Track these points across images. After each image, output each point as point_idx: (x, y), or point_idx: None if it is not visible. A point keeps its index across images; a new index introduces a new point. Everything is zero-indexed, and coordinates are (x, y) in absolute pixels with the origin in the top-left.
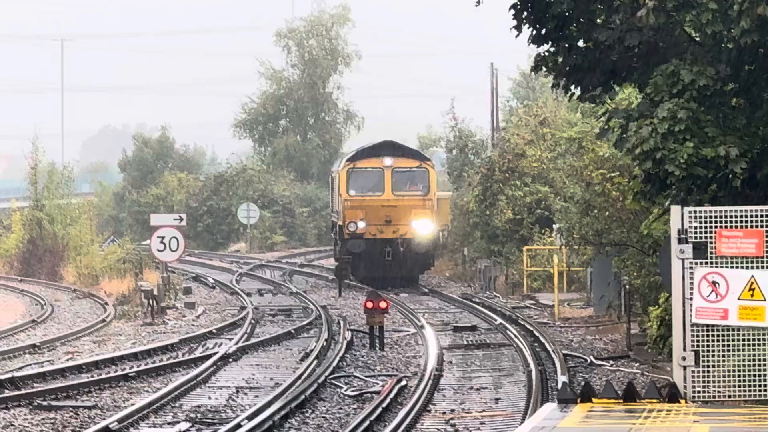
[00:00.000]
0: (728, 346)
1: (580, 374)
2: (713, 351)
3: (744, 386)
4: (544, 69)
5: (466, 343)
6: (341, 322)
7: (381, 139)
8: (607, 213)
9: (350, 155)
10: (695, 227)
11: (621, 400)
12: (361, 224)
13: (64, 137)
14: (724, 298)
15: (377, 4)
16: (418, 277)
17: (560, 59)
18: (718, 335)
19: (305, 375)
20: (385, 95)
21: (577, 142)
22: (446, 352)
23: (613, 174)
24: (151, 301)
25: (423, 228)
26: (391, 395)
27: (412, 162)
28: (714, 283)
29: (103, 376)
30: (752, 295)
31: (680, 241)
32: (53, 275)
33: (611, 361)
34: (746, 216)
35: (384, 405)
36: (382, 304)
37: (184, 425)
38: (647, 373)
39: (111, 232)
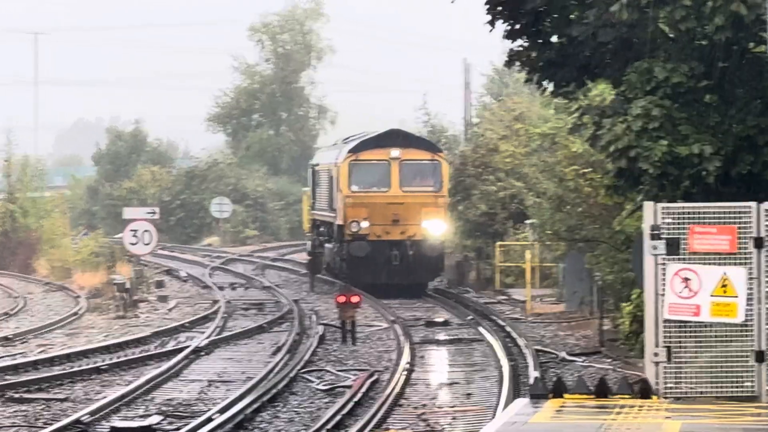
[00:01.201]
0: (700, 342)
1: (552, 370)
2: (685, 347)
3: (716, 383)
4: (517, 64)
5: (438, 338)
6: (313, 317)
7: (354, 133)
8: (580, 209)
9: (352, 146)
10: (668, 223)
11: (593, 396)
12: (365, 224)
13: (37, 130)
14: (696, 294)
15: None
16: (426, 285)
17: (534, 54)
18: (690, 331)
19: (277, 369)
20: (358, 90)
21: (550, 138)
22: (418, 347)
23: (586, 170)
24: (123, 295)
25: (435, 228)
26: (363, 390)
27: (422, 153)
28: (686, 279)
29: (75, 368)
30: (725, 292)
31: (653, 237)
32: (26, 268)
33: (583, 357)
34: (719, 213)
35: (356, 399)
36: (354, 299)
37: (156, 418)
38: (619, 369)
39: (84, 225)
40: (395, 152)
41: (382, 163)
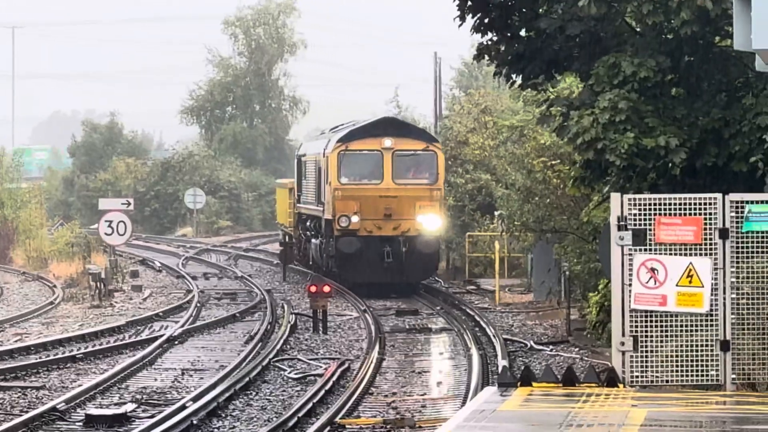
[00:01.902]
0: (666, 331)
1: (520, 359)
2: (651, 337)
3: (681, 371)
4: (486, 57)
5: (408, 327)
6: (285, 306)
7: (330, 124)
8: (548, 200)
9: (341, 135)
10: (634, 214)
11: (560, 385)
12: (355, 219)
13: (14, 123)
14: (662, 284)
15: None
16: (419, 284)
17: (502, 48)
18: (656, 321)
19: (249, 357)
20: (330, 83)
21: (519, 131)
22: (388, 336)
23: (554, 162)
24: (98, 284)
25: (430, 223)
26: (334, 378)
27: (417, 143)
28: (653, 269)
29: (51, 357)
30: (690, 282)
31: (620, 228)
32: (2, 258)
33: (551, 346)
34: (685, 204)
35: (327, 387)
36: (326, 289)
37: (130, 406)
38: (586, 358)
39: (60, 216)
40: (388, 142)
41: (373, 153)
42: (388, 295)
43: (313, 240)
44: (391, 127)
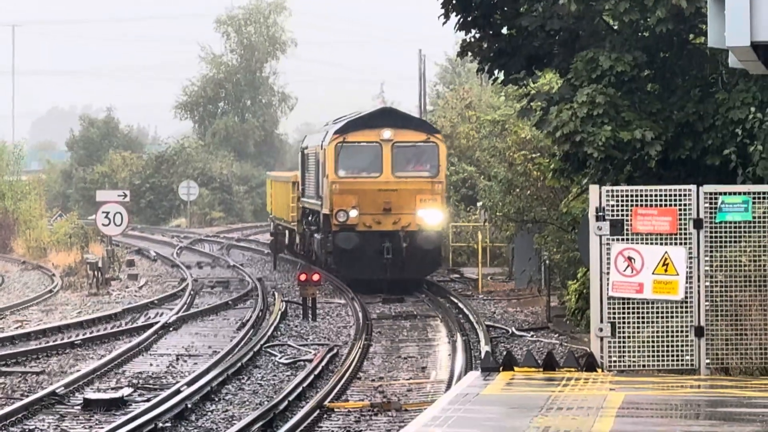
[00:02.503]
0: (643, 318)
1: (502, 344)
2: (629, 323)
3: (657, 356)
4: (469, 54)
5: (394, 314)
6: (276, 294)
7: (317, 119)
8: (529, 192)
9: (339, 126)
10: (612, 205)
11: (541, 369)
12: (353, 213)
13: (14, 118)
14: (639, 272)
15: None
16: (423, 281)
17: (485, 45)
18: (633, 308)
19: (242, 343)
20: (318, 80)
21: (501, 125)
22: (375, 323)
23: (534, 155)
24: (96, 273)
25: (431, 218)
26: (323, 363)
27: (417, 135)
28: (630, 258)
29: (51, 343)
30: (666, 270)
31: (598, 218)
32: (3, 248)
33: (532, 332)
34: (661, 195)
35: (316, 372)
36: (315, 277)
37: (127, 390)
38: (566, 344)
39: (59, 207)
40: (387, 133)
41: (372, 145)
42: (388, 292)
43: (315, 235)
44: (391, 118)
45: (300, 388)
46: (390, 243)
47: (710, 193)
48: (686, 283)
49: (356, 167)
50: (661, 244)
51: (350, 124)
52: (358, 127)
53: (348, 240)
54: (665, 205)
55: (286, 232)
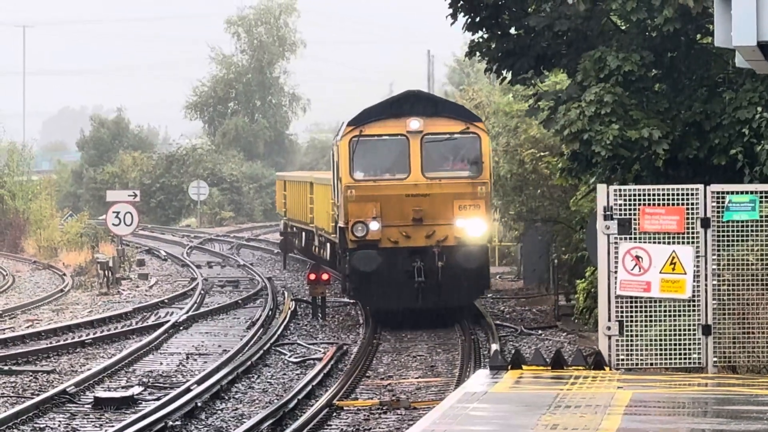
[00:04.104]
0: (650, 316)
1: (511, 343)
2: (636, 321)
3: (665, 354)
4: (478, 54)
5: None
6: (285, 293)
7: (326, 120)
8: (540, 191)
9: (354, 116)
10: (620, 204)
11: (549, 367)
12: (374, 226)
13: (25, 118)
14: (646, 271)
15: None
16: (465, 307)
17: (493, 45)
18: (641, 306)
19: (251, 342)
20: (325, 79)
21: (515, 122)
22: (385, 322)
23: (543, 153)
24: (106, 273)
25: (474, 229)
26: (332, 362)
27: (453, 124)
28: (637, 257)
29: (61, 342)
30: (673, 269)
31: (606, 217)
32: (15, 248)
33: (540, 331)
34: (668, 194)
35: (325, 371)
36: (325, 276)
37: (137, 389)
38: (574, 342)
39: (69, 207)
40: (415, 123)
41: (396, 139)
42: (422, 326)
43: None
44: (419, 103)
45: (309, 387)
46: (422, 262)
47: (717, 193)
48: (693, 281)
49: (377, 167)
50: (669, 243)
51: (368, 113)
52: (378, 117)
53: (368, 260)
54: (673, 204)
55: (303, 234)
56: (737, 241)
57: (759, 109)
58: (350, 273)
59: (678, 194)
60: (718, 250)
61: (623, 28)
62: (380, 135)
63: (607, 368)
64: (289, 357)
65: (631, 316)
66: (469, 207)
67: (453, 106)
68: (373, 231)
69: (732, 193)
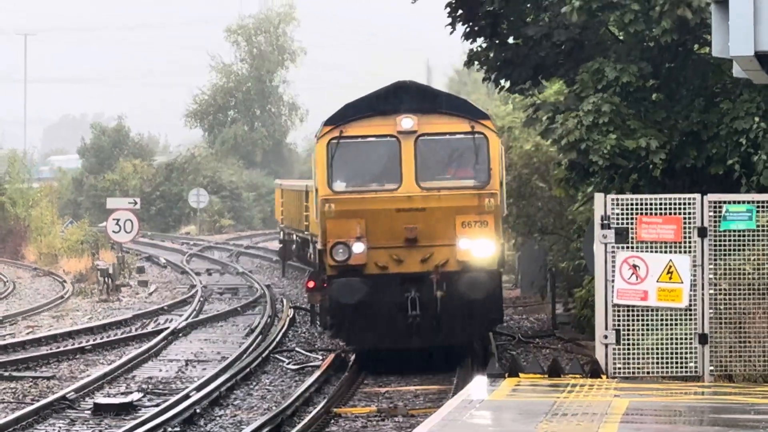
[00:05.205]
0: (647, 325)
1: (509, 351)
2: (633, 330)
3: (661, 363)
4: (476, 63)
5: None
6: (284, 300)
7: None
8: (539, 202)
9: (333, 114)
10: (617, 214)
11: (546, 375)
12: (358, 248)
13: (26, 125)
14: (643, 280)
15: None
16: (472, 344)
17: (491, 54)
18: (637, 315)
19: (250, 349)
20: (323, 85)
21: (509, 134)
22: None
23: (539, 164)
24: (106, 279)
25: (480, 251)
26: (331, 369)
27: (455, 122)
28: (634, 266)
29: (61, 348)
30: (670, 278)
31: (603, 226)
32: (15, 254)
33: (537, 339)
34: (665, 204)
35: (323, 378)
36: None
37: (137, 395)
38: (571, 351)
39: (70, 214)
40: (408, 121)
41: (385, 141)
42: (417, 371)
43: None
44: (413, 97)
45: (308, 394)
46: (417, 292)
47: (714, 202)
48: (690, 290)
49: (361, 176)
50: (666, 252)
51: (350, 109)
52: (362, 114)
53: (350, 290)
54: (670, 214)
55: (299, 242)
56: (734, 250)
57: (756, 119)
58: (329, 305)
59: (675, 203)
60: (715, 260)
61: (621, 38)
62: (365, 136)
63: (603, 376)
64: (288, 364)
65: (628, 325)
66: (475, 224)
67: (454, 100)
68: (356, 254)
69: (729, 202)
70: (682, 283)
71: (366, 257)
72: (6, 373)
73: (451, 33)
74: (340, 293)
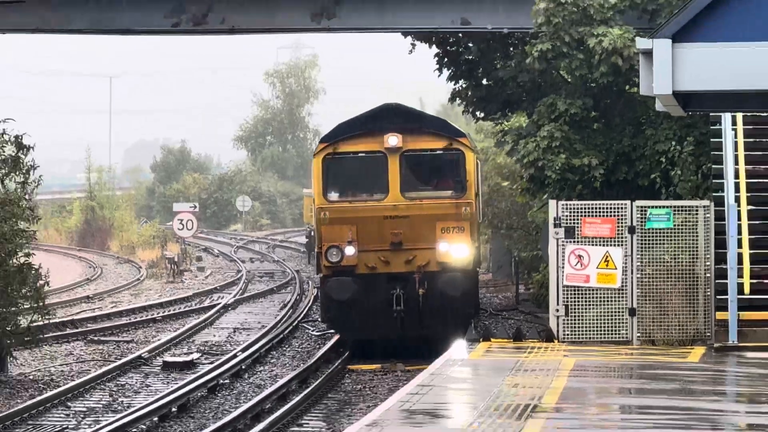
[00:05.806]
0: (589, 302)
1: (483, 321)
2: (578, 305)
3: (600, 331)
4: (458, 100)
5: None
6: (310, 282)
7: None
8: (503, 205)
9: (328, 132)
10: (566, 215)
11: (511, 340)
12: (350, 250)
13: (111, 147)
14: (586, 267)
15: (341, 47)
16: (452, 337)
17: (470, 92)
18: (582, 294)
19: (283, 320)
20: (344, 117)
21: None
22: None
23: (505, 182)
24: (173, 266)
25: (458, 252)
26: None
27: (435, 140)
28: (579, 256)
29: (137, 319)
30: (607, 265)
31: (555, 225)
32: (102, 246)
33: (505, 312)
34: (603, 208)
35: (339, 342)
36: None
37: (196, 355)
38: (531, 321)
39: (144, 216)
40: (393, 139)
41: (373, 156)
42: (403, 357)
43: None
44: (398, 118)
45: (327, 354)
46: (402, 290)
47: (641, 207)
48: (622, 275)
49: (352, 187)
50: (604, 245)
51: (342, 128)
52: (353, 132)
53: (343, 288)
54: (607, 216)
55: None
56: (656, 244)
57: (673, 143)
58: (324, 301)
59: (611, 208)
60: (642, 251)
61: (569, 80)
62: (356, 152)
63: (556, 341)
64: (313, 331)
65: (575, 301)
66: (453, 230)
67: (434, 121)
68: (348, 256)
69: (652, 207)
70: (616, 269)
71: (357, 259)
72: (95, 338)
73: (439, 76)
74: (334, 291)
